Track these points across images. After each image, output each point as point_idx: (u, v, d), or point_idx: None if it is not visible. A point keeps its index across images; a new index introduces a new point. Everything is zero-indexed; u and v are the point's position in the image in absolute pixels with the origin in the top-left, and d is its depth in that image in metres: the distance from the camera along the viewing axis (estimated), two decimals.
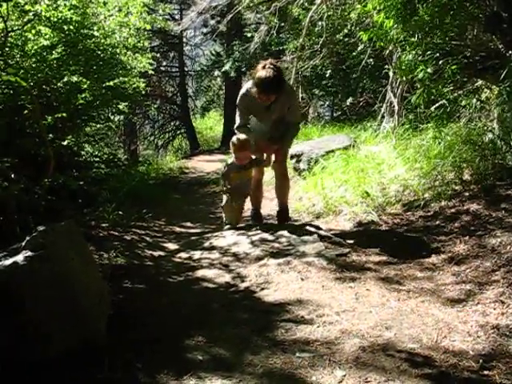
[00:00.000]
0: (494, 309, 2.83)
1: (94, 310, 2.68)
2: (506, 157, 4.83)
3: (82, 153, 7.18)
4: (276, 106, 4.62)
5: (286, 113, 4.74)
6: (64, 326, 2.51)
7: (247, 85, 4.68)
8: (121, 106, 7.41)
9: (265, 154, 4.93)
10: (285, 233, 4.45)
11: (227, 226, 5.05)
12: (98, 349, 2.59)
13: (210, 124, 24.44)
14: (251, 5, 12.39)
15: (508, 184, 4.46)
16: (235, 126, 4.79)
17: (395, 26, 4.93)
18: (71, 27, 5.34)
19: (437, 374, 2.25)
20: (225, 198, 5.02)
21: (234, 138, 4.71)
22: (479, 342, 2.51)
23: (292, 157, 7.83)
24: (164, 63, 21.39)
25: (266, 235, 4.45)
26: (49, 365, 2.40)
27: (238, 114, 4.77)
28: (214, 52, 19.59)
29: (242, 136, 4.65)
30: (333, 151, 7.16)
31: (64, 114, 5.21)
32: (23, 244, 2.55)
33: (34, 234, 2.58)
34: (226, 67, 15.73)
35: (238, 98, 4.71)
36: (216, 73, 19.42)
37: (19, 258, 2.45)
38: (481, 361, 2.33)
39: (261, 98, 4.45)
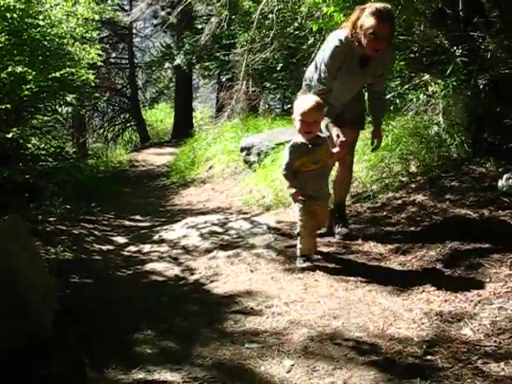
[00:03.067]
0: (438, 296, 2.91)
1: (40, 305, 2.63)
2: (451, 149, 4.97)
3: (29, 146, 7.00)
4: (374, 65, 3.75)
5: (377, 78, 3.92)
6: (9, 322, 2.46)
7: (340, 34, 3.70)
8: (68, 98, 7.26)
9: (336, 137, 3.59)
10: (234, 225, 4.47)
11: (303, 264, 3.54)
12: (45, 345, 2.55)
13: (161, 117, 24.19)
14: None
15: (452, 175, 4.60)
16: (314, 90, 3.78)
17: (344, 18, 4.99)
18: (15, 15, 5.20)
19: (382, 361, 2.30)
20: (298, 209, 3.60)
21: (308, 97, 3.54)
22: (423, 328, 2.57)
23: (242, 149, 7.84)
24: (113, 55, 21.01)
25: (216, 228, 4.47)
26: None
27: (321, 72, 3.73)
28: (164, 44, 19.35)
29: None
30: (283, 144, 7.19)
31: (8, 106, 5.08)
32: None
33: None
34: (178, 61, 15.54)
35: (329, 50, 3.67)
36: (166, 65, 19.22)
37: None
38: (424, 346, 2.39)
39: (376, 34, 3.46)
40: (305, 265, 3.50)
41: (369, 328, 2.63)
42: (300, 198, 3.51)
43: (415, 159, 5.04)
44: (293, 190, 3.54)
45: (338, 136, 3.56)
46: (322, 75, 3.72)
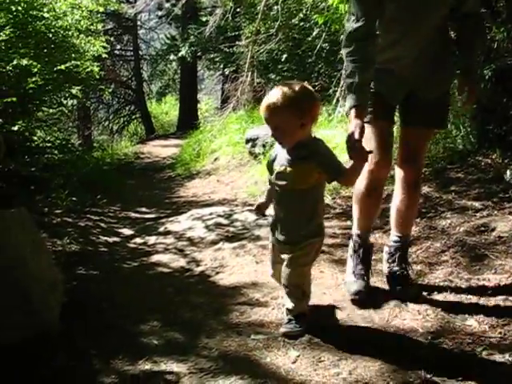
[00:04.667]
0: (443, 287, 2.91)
1: (47, 298, 2.64)
2: (456, 140, 4.96)
3: (34, 138, 7.01)
4: None
5: None
6: (16, 315, 2.47)
7: None
8: (74, 91, 7.24)
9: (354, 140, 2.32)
10: (240, 216, 4.48)
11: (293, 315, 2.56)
12: (52, 338, 2.57)
13: (166, 109, 24.14)
14: None
15: (458, 167, 4.59)
16: (343, 46, 2.52)
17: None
18: (19, 8, 5.20)
19: (388, 352, 2.30)
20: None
21: (280, 87, 2.33)
22: (428, 320, 2.57)
23: (247, 141, 7.84)
24: (118, 47, 20.98)
25: (221, 219, 4.48)
26: (1, 356, 2.38)
27: (354, 8, 2.44)
28: (169, 36, 19.31)
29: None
30: None
31: (14, 99, 5.08)
32: None
33: None
34: (183, 52, 15.54)
35: None
36: (171, 57, 19.19)
37: None
38: (429, 338, 2.40)
39: None
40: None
41: (374, 319, 2.64)
42: (257, 210, 2.75)
43: None
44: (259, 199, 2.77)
45: (356, 140, 2.31)
46: (353, 9, 2.46)
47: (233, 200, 6.08)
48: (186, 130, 13.84)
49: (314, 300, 2.74)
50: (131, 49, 21.09)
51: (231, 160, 8.49)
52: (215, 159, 8.91)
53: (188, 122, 16.16)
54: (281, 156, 2.46)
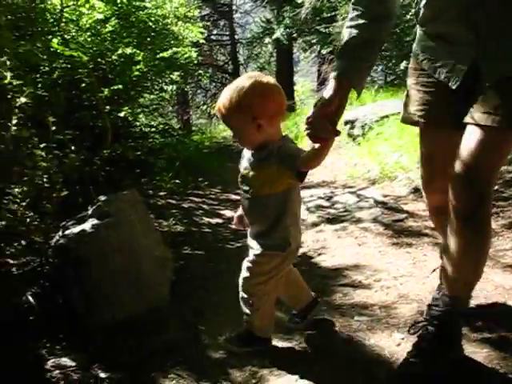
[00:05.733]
0: None
1: (158, 275, 2.77)
2: None
3: (137, 123, 7.30)
4: None
5: None
6: (130, 291, 2.61)
7: None
8: (173, 76, 7.47)
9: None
10: (340, 199, 4.46)
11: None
12: (162, 313, 2.69)
13: None
14: None
15: None
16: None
17: None
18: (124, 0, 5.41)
19: (495, 339, 2.23)
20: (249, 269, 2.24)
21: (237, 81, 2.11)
22: None
23: (346, 123, 7.75)
24: (214, 32, 21.32)
25: (322, 201, 4.47)
26: (117, 328, 2.52)
27: None
28: (264, 19, 19.34)
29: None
30: (387, 116, 7.03)
31: (120, 86, 5.31)
32: (89, 212, 2.67)
33: (98, 203, 2.69)
34: (277, 34, 15.53)
35: None
36: (267, 40, 19.22)
37: (87, 225, 2.57)
38: None
39: None
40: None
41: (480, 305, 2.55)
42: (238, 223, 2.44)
43: None
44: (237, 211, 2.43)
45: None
46: None
47: (332, 182, 6.05)
48: None
49: (416, 283, 2.69)
50: (227, 33, 21.36)
51: None
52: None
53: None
54: (245, 158, 2.21)
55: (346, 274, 3.10)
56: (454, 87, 1.91)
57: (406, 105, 2.19)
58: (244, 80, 2.04)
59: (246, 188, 2.15)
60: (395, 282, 2.91)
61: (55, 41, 4.07)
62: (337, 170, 6.67)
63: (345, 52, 1.90)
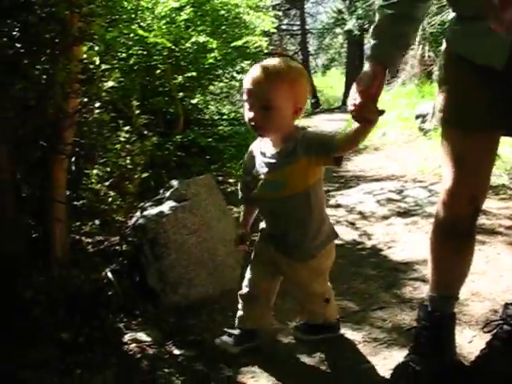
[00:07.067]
0: None
1: (230, 259, 2.83)
2: None
3: (208, 111, 7.41)
4: None
5: None
6: (203, 272, 2.69)
7: None
8: (244, 65, 7.53)
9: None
10: (411, 193, 4.41)
11: (223, 339, 2.27)
12: (233, 296, 2.74)
13: (331, 83, 24.06)
14: None
15: None
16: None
17: None
18: None
19: None
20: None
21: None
22: None
23: (417, 116, 7.63)
24: (285, 21, 21.31)
25: (392, 195, 4.44)
26: (190, 308, 2.61)
27: None
28: (335, 9, 19.18)
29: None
30: None
31: (194, 74, 5.42)
32: (167, 195, 2.76)
33: (176, 186, 2.78)
34: (349, 25, 15.38)
35: None
36: (338, 30, 19.08)
37: (164, 207, 2.66)
38: None
39: None
40: (221, 340, 2.26)
41: None
42: (240, 246, 2.24)
43: None
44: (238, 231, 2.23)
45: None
46: None
47: (402, 176, 5.95)
48: None
49: (488, 282, 2.64)
50: (298, 23, 21.29)
51: (399, 135, 8.28)
52: (383, 134, 8.73)
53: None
54: (262, 160, 1.96)
55: (416, 268, 3.06)
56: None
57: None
58: (287, 60, 1.90)
59: (275, 192, 1.93)
60: (467, 279, 2.85)
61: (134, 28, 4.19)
62: (406, 164, 6.56)
63: (377, 32, 1.83)
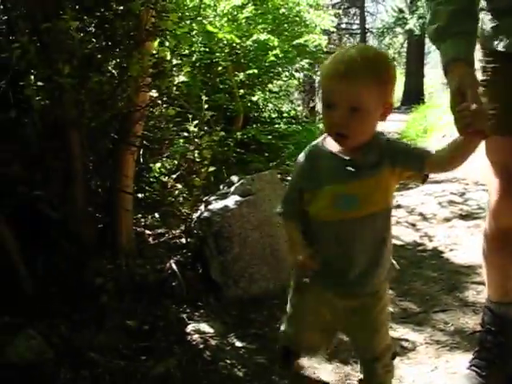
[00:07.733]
0: None
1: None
2: None
3: (267, 108, 7.43)
4: None
5: None
6: (264, 267, 2.71)
7: None
8: (303, 63, 7.51)
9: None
10: (473, 195, 4.32)
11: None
12: None
13: None
14: None
15: None
16: None
17: None
18: None
19: None
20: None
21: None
22: None
23: None
24: (345, 20, 21.15)
25: (454, 197, 4.36)
26: (252, 301, 2.64)
27: None
28: (396, 8, 18.89)
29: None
30: None
31: (255, 71, 5.46)
32: (232, 189, 2.79)
33: (242, 180, 2.82)
34: (410, 25, 15.12)
35: None
36: (398, 30, 18.79)
37: (229, 202, 2.71)
38: None
39: None
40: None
41: None
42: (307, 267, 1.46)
43: None
44: (299, 255, 1.45)
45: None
46: None
47: (463, 179, 5.82)
48: (411, 104, 13.52)
49: None
50: (357, 22, 21.11)
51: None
52: (443, 136, 8.54)
53: (413, 96, 15.80)
54: (333, 169, 1.44)
55: (479, 272, 2.98)
56: None
57: None
58: (371, 47, 1.62)
59: (349, 209, 1.42)
60: None
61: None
62: (467, 167, 6.40)
63: (441, 34, 1.55)
